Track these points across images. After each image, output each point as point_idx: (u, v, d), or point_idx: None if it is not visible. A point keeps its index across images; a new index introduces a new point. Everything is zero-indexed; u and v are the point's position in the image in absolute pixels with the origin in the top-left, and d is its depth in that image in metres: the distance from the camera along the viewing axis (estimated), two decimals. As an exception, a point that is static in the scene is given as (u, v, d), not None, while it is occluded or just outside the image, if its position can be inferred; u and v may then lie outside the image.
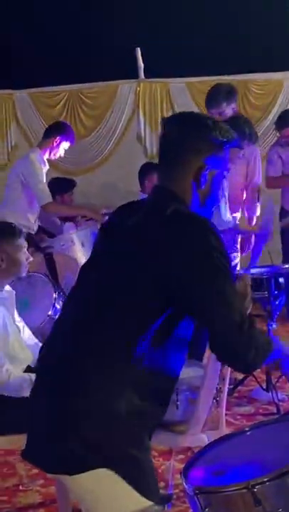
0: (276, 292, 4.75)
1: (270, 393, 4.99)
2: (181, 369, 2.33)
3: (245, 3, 8.69)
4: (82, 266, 2.43)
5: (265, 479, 2.04)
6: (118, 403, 2.12)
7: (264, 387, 5.17)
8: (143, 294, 2.15)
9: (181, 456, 4.18)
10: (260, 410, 5.00)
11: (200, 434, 3.39)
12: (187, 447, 4.06)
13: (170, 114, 8.17)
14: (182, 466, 3.96)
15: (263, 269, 5.03)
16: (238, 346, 2.12)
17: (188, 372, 3.52)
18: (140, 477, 2.15)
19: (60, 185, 7.23)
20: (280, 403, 4.91)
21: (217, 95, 5.66)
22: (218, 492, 2.11)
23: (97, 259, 2.39)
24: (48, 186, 5.99)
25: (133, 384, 2.15)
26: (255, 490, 2.03)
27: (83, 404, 2.12)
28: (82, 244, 5.33)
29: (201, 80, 8.27)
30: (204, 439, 3.38)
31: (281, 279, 4.62)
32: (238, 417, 4.86)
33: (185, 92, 8.32)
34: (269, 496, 2.04)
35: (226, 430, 3.61)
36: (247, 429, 2.52)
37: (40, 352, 2.51)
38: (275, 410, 4.86)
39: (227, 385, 3.59)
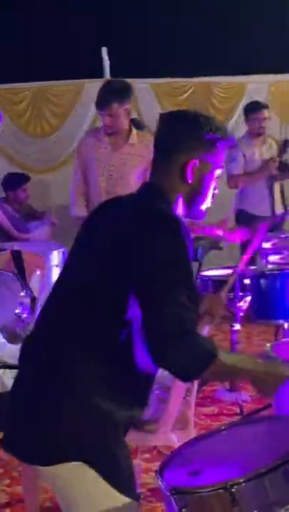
0: (241, 294, 4.80)
1: (233, 394, 5.05)
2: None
3: (210, 6, 8.75)
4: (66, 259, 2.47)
5: (244, 479, 2.05)
6: (97, 398, 2.14)
7: (228, 387, 5.22)
8: (113, 290, 2.17)
9: (147, 455, 4.21)
10: (224, 411, 5.05)
11: (169, 433, 3.42)
12: (153, 446, 4.10)
13: (134, 114, 8.21)
14: (148, 465, 4.05)
15: (228, 272, 5.07)
16: (168, 353, 2.10)
17: (160, 372, 3.55)
18: (116, 472, 2.16)
19: (13, 181, 7.19)
20: (244, 403, 4.95)
21: (107, 94, 4.97)
22: (196, 492, 2.11)
23: (75, 253, 2.41)
24: (2, 182, 5.95)
25: (112, 380, 2.16)
26: (234, 490, 2.03)
27: (63, 397, 2.14)
28: None
29: (166, 81, 8.32)
30: (173, 438, 3.42)
31: (247, 281, 4.66)
32: (203, 417, 4.90)
33: (150, 92, 8.35)
34: (247, 497, 2.05)
35: (193, 430, 3.66)
36: (222, 428, 2.53)
37: (24, 341, 2.50)
38: (238, 411, 4.91)
39: (196, 385, 3.63)
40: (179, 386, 3.35)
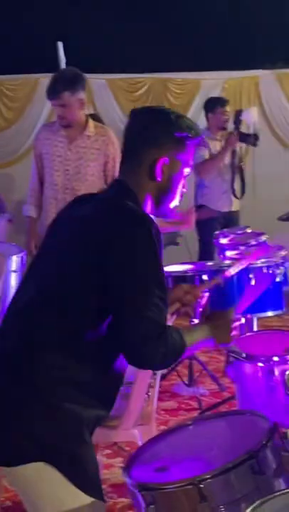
0: (201, 283, 4.85)
1: (191, 388, 5.11)
2: (126, 366, 2.33)
3: (166, 3, 8.79)
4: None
5: (211, 475, 2.08)
6: (62, 399, 2.14)
7: (186, 382, 5.28)
8: (83, 291, 2.17)
9: (108, 451, 4.23)
10: (183, 405, 5.10)
11: (131, 429, 3.44)
12: (113, 442, 4.12)
13: (90, 109, 8.21)
14: (109, 460, 4.08)
15: (186, 267, 5.11)
16: (144, 353, 2.15)
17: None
18: (80, 473, 2.16)
19: None
20: (202, 398, 5.02)
21: (56, 84, 4.73)
22: (164, 488, 2.13)
23: (43, 253, 2.40)
24: None
25: (80, 381, 2.17)
26: (201, 486, 2.06)
27: (26, 394, 2.14)
28: None
29: (122, 77, 8.34)
30: (136, 434, 3.44)
31: (205, 277, 4.69)
32: (162, 412, 4.94)
33: (106, 88, 8.35)
34: (214, 492, 2.08)
35: (155, 425, 3.70)
36: (188, 423, 2.56)
37: None
38: (196, 405, 4.97)
39: (158, 381, 3.66)
40: (142, 382, 3.37)
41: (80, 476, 2.15)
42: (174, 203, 2.40)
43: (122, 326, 2.14)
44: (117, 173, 4.49)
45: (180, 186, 2.38)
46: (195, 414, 4.87)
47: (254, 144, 7.07)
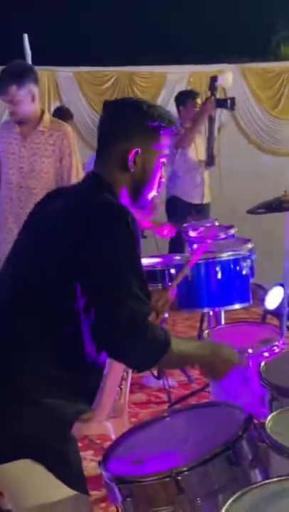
0: (169, 284, 4.88)
1: (161, 380, 5.14)
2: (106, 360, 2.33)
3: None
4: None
5: (189, 467, 2.09)
6: (43, 395, 2.14)
7: (155, 374, 5.31)
8: (59, 284, 2.15)
9: (79, 444, 4.21)
10: (152, 398, 5.13)
11: (104, 421, 3.47)
12: (84, 435, 4.13)
13: (57, 103, 8.19)
14: (80, 454, 4.09)
15: (156, 261, 5.14)
16: (124, 346, 2.14)
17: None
18: (65, 468, 2.18)
19: None
20: (171, 390, 5.05)
21: (3, 78, 4.40)
22: (141, 481, 2.13)
23: (20, 244, 2.39)
24: None
25: (59, 376, 2.17)
26: (179, 478, 2.07)
27: (10, 393, 2.14)
28: None
29: (89, 70, 8.33)
30: (108, 426, 3.47)
31: (173, 271, 4.72)
32: (132, 404, 4.96)
33: (72, 81, 8.32)
34: (192, 484, 2.09)
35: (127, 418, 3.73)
36: (164, 415, 2.57)
37: None
38: (166, 397, 5.00)
39: (131, 374, 3.69)
40: (115, 375, 3.40)
41: (66, 471, 2.17)
42: (152, 194, 2.38)
43: (101, 317, 2.13)
44: (74, 170, 4.54)
45: (157, 176, 2.36)
46: (164, 406, 4.91)
47: (232, 108, 7.08)
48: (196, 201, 7.04)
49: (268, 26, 13.31)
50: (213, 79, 6.97)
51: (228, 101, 6.93)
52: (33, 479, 2.16)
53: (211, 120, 6.94)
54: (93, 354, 2.23)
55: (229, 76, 7.19)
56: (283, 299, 5.30)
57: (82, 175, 4.12)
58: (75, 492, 2.18)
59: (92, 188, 2.27)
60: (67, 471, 2.18)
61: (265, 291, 6.01)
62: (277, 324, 4.94)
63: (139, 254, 2.20)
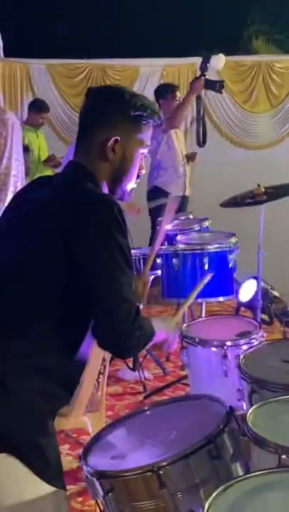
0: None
1: (136, 372, 5.15)
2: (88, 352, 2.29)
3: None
4: None
5: (170, 461, 2.09)
6: (26, 388, 2.10)
7: (130, 366, 5.31)
8: (46, 275, 2.11)
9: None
10: (128, 389, 5.14)
11: (81, 416, 3.46)
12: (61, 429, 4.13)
13: (29, 95, 8.14)
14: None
15: (135, 250, 5.15)
16: (123, 337, 2.13)
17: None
18: (43, 463, 2.13)
19: None
20: (146, 382, 5.07)
21: None
22: (123, 476, 2.13)
23: (3, 234, 2.31)
24: None
25: (43, 367, 2.13)
26: (161, 472, 2.07)
27: None
28: None
29: (61, 62, 8.29)
30: (86, 421, 3.46)
31: (158, 260, 4.72)
32: (108, 397, 4.96)
33: (45, 73, 8.28)
34: (173, 478, 2.09)
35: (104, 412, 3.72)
36: (145, 409, 2.57)
37: None
38: (142, 389, 5.01)
39: (108, 367, 3.68)
40: (92, 369, 3.39)
41: (43, 467, 2.13)
42: (131, 185, 2.34)
43: (98, 312, 2.11)
44: (5, 160, 4.45)
45: (136, 167, 2.31)
46: (140, 398, 4.93)
47: (219, 91, 7.01)
48: (179, 193, 7.05)
49: (241, 20, 13.36)
50: (206, 59, 6.87)
51: (217, 83, 6.86)
52: (11, 475, 2.11)
53: (200, 100, 6.90)
54: (79, 345, 2.20)
55: (222, 58, 7.14)
56: (257, 292, 5.34)
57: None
58: (52, 488, 2.14)
59: (75, 178, 2.23)
60: (45, 467, 2.14)
61: (239, 283, 6.05)
62: (251, 317, 4.96)
63: (129, 246, 2.17)
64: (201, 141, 7.01)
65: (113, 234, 2.08)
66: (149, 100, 2.34)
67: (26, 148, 7.21)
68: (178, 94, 7.05)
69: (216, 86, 6.87)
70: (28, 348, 2.12)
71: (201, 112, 6.96)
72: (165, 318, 2.55)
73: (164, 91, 7.14)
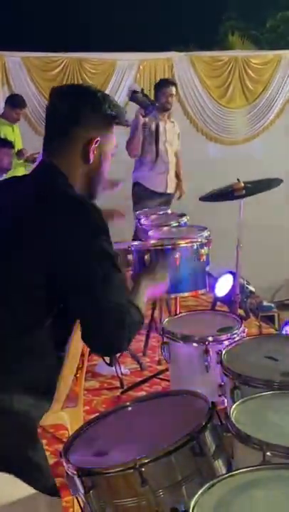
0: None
1: (113, 367, 5.13)
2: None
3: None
4: None
5: (153, 458, 2.06)
6: (15, 400, 2.07)
7: (107, 361, 5.28)
8: (30, 278, 2.06)
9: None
10: (105, 385, 5.13)
11: (59, 411, 3.43)
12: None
13: (5, 88, 8.07)
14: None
15: (119, 244, 5.14)
16: (115, 339, 2.10)
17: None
18: (35, 474, 2.13)
19: None
20: (123, 377, 5.06)
21: None
22: (104, 473, 2.10)
23: None
24: None
25: (30, 376, 2.10)
26: (143, 470, 2.04)
27: None
28: None
29: (37, 55, 8.23)
30: (64, 416, 3.44)
31: (130, 256, 4.71)
32: (85, 392, 4.94)
33: (21, 67, 8.21)
34: (156, 475, 2.07)
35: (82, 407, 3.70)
36: (126, 404, 2.54)
37: None
38: (118, 384, 5.00)
39: (86, 363, 3.66)
40: (71, 364, 3.37)
41: (36, 477, 2.13)
42: (101, 185, 2.32)
43: (88, 316, 2.07)
44: None
45: (109, 166, 2.30)
46: (117, 393, 4.92)
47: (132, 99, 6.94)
48: (159, 189, 7.06)
49: (217, 16, 13.38)
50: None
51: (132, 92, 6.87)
52: (5, 490, 2.10)
53: (145, 126, 6.88)
54: (62, 349, 2.19)
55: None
56: (234, 287, 5.35)
57: None
58: (47, 497, 2.14)
59: (51, 180, 2.18)
60: (38, 477, 2.13)
61: (215, 278, 6.06)
62: (228, 311, 4.97)
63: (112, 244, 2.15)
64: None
65: (98, 237, 2.06)
66: (114, 99, 2.32)
67: (8, 143, 7.19)
68: (173, 90, 7.11)
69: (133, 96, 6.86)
70: (15, 359, 2.09)
71: (153, 136, 6.95)
72: (144, 278, 2.48)
73: (161, 84, 7.22)
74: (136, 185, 7.07)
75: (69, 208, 2.09)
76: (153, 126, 6.93)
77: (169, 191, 7.21)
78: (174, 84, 7.30)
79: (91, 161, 2.22)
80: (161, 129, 7.04)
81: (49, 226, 2.06)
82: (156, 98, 7.08)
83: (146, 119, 6.82)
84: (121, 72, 8.50)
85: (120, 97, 8.14)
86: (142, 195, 6.98)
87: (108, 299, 2.05)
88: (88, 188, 2.26)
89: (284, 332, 4.74)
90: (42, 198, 2.13)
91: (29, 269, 2.07)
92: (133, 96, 6.70)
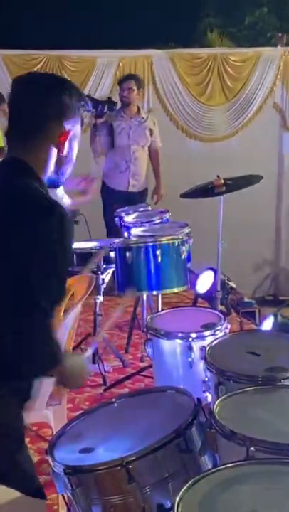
0: (104, 266, 4.91)
1: (96, 365, 5.15)
2: None
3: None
4: None
5: (139, 455, 2.08)
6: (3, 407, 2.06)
7: (90, 359, 5.30)
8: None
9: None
10: (88, 382, 5.12)
11: (43, 409, 3.43)
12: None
13: (-16, 85, 8.03)
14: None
15: (92, 244, 5.16)
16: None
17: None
18: (20, 478, 2.11)
19: None
20: (106, 374, 5.06)
21: None
22: (92, 471, 2.11)
23: None
24: None
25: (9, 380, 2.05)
26: (130, 467, 2.06)
27: None
28: None
29: (17, 53, 8.19)
30: (48, 414, 3.44)
31: (112, 253, 4.73)
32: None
33: (1, 64, 8.16)
34: (143, 472, 2.09)
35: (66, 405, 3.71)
36: (112, 401, 2.56)
37: None
38: (101, 381, 5.00)
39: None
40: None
41: (21, 481, 2.10)
42: (69, 172, 2.25)
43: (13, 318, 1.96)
44: None
45: (75, 155, 2.23)
46: (100, 390, 4.92)
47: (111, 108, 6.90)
48: (120, 188, 7.04)
49: (195, 13, 13.39)
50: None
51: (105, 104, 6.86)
52: None
53: (95, 128, 6.88)
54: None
55: None
56: (215, 283, 5.38)
57: None
58: (32, 499, 2.12)
59: (17, 174, 2.10)
60: (23, 481, 2.11)
61: (196, 275, 6.09)
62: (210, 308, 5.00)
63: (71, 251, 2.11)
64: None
65: (62, 244, 2.00)
66: (76, 85, 2.25)
67: None
68: (132, 84, 7.03)
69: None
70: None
71: (96, 139, 6.93)
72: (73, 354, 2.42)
73: (121, 79, 7.24)
74: (102, 184, 7.04)
75: (31, 212, 2.00)
76: (113, 125, 6.92)
77: (131, 190, 7.10)
78: (134, 78, 7.19)
79: (65, 152, 2.16)
80: (121, 126, 7.00)
81: (12, 226, 1.99)
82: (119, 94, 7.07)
83: (103, 119, 6.80)
84: (101, 70, 8.47)
85: (101, 94, 8.12)
86: (104, 193, 6.95)
87: (34, 315, 1.95)
88: (57, 171, 2.20)
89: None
90: (7, 199, 2.05)
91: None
92: None
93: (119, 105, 7.03)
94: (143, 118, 7.17)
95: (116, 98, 7.15)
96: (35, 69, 8.24)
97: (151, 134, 7.18)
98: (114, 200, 6.82)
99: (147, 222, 5.29)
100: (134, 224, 5.24)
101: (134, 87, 7.04)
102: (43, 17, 8.42)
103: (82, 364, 2.26)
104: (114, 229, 6.18)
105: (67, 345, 3.46)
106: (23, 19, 8.45)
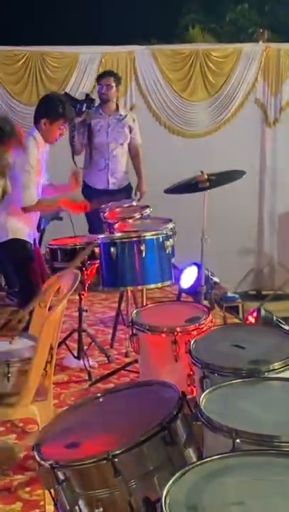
0: (88, 262, 4.92)
1: (81, 360, 5.16)
2: None
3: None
4: None
5: (125, 449, 2.08)
6: None
7: (75, 354, 5.31)
8: None
9: (1, 429, 4.23)
10: (73, 378, 5.14)
11: (29, 405, 3.44)
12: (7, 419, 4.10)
13: None
14: (2, 438, 4.05)
15: (77, 240, 5.17)
16: None
17: (19, 344, 3.58)
18: None
19: None
20: (91, 369, 5.07)
21: None
22: (77, 465, 2.12)
23: None
24: None
25: None
26: (116, 460, 2.07)
27: None
28: None
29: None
30: (34, 410, 3.45)
31: (96, 249, 4.74)
32: (53, 385, 4.93)
33: (-18, 60, 8.17)
34: (128, 466, 2.09)
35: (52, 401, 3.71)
36: (98, 396, 2.56)
37: None
38: (87, 377, 5.01)
39: (55, 356, 3.67)
40: (40, 358, 3.38)
41: None
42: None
43: None
44: None
45: None
46: (86, 386, 4.93)
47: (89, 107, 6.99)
48: (99, 186, 7.03)
49: (177, 9, 13.39)
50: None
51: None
52: None
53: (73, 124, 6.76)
54: None
55: None
56: (199, 278, 5.40)
57: None
58: None
59: None
60: None
61: (180, 270, 6.11)
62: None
63: None
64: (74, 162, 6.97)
65: None
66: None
67: None
68: (110, 80, 7.00)
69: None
70: None
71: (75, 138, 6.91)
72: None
73: (99, 76, 7.25)
74: (82, 182, 7.04)
75: None
76: (91, 124, 6.91)
77: (112, 187, 7.08)
78: (113, 75, 7.16)
79: None
80: (100, 124, 6.98)
81: None
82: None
83: (82, 118, 6.78)
84: (83, 66, 8.46)
85: (84, 90, 8.10)
86: (84, 191, 6.93)
87: None
88: None
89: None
90: None
91: None
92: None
93: (97, 102, 7.02)
94: (122, 115, 7.13)
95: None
96: (17, 65, 8.25)
97: (130, 131, 7.14)
98: (94, 198, 6.80)
99: (128, 218, 5.29)
100: (117, 220, 5.25)
101: (113, 84, 7.02)
102: (25, 13, 8.38)
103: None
104: (96, 225, 6.19)
105: (52, 342, 3.46)
106: (5, 15, 8.41)
